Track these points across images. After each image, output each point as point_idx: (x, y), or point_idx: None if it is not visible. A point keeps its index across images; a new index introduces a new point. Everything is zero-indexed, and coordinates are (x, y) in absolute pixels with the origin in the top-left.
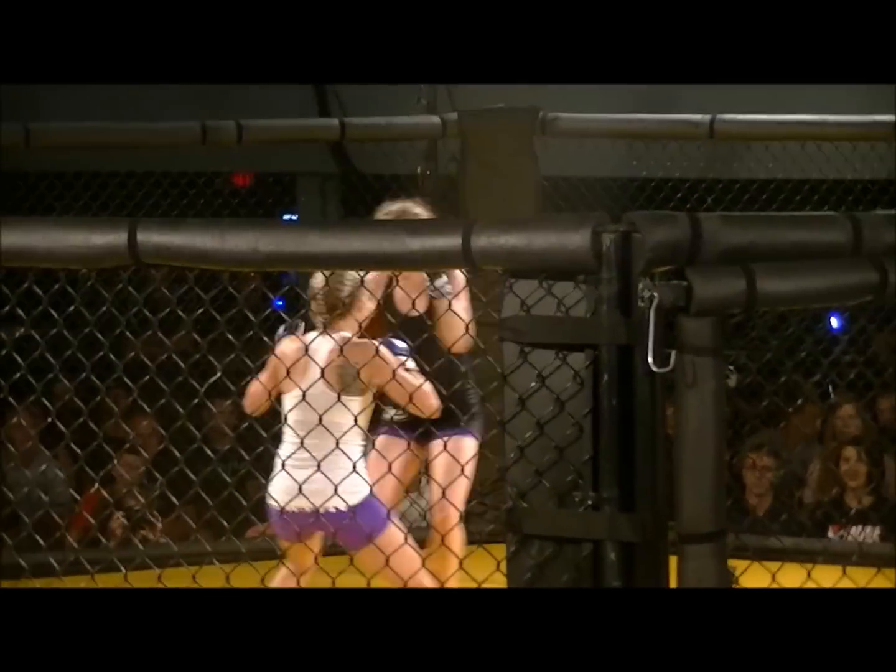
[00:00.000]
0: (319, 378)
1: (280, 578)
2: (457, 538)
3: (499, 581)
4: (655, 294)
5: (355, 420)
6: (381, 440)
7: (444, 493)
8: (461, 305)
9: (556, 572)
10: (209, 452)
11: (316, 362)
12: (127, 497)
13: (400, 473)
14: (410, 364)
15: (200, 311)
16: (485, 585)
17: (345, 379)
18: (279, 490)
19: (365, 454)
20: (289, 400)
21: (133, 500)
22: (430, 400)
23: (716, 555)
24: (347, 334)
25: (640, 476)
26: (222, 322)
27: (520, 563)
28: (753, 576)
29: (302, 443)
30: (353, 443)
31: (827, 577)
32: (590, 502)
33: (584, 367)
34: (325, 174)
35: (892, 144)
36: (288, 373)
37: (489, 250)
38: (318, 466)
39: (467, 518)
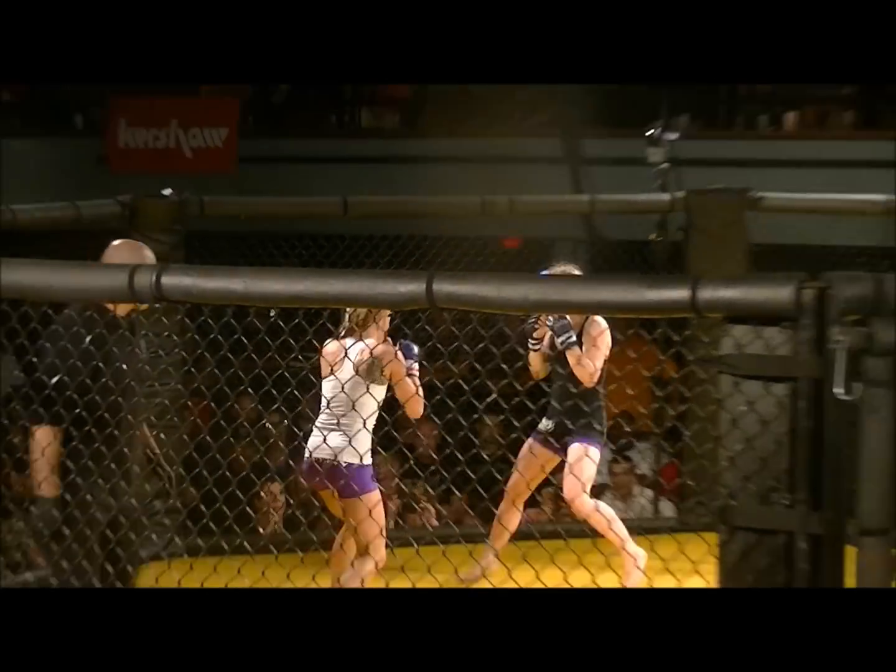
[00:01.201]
0: (353, 368)
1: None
2: (589, 513)
3: (710, 562)
4: (845, 338)
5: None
6: (531, 443)
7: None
8: (593, 352)
9: (756, 557)
10: (484, 456)
11: (349, 358)
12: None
13: (537, 470)
14: (416, 367)
15: (480, 345)
16: (699, 567)
17: (370, 371)
18: (310, 444)
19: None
20: (325, 383)
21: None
22: (417, 406)
23: (885, 546)
24: (372, 340)
25: (827, 482)
26: (498, 355)
27: (729, 549)
28: None
29: (330, 412)
30: (369, 420)
31: None
32: (786, 502)
33: (785, 395)
34: (577, 239)
35: None
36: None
37: (712, 301)
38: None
39: (684, 511)
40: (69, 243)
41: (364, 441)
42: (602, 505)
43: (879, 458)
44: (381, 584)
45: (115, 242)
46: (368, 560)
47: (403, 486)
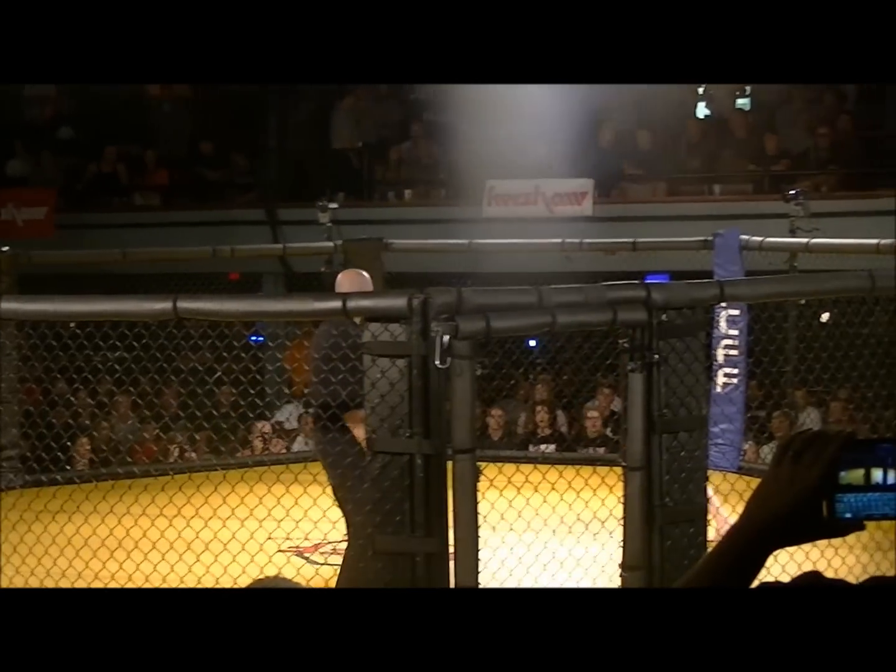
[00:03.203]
0: None
1: None
2: None
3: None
4: (440, 329)
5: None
6: None
7: None
8: None
9: (391, 470)
10: None
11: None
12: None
13: None
14: None
15: None
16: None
17: None
18: None
19: None
20: None
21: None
22: None
23: (472, 460)
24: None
25: (434, 420)
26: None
27: (373, 466)
28: (490, 471)
29: None
30: None
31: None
32: (408, 434)
33: (405, 367)
34: (276, 273)
35: None
36: None
37: (356, 308)
38: None
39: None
40: None
41: None
42: None
43: (464, 403)
44: None
45: (343, 272)
46: None
47: None
